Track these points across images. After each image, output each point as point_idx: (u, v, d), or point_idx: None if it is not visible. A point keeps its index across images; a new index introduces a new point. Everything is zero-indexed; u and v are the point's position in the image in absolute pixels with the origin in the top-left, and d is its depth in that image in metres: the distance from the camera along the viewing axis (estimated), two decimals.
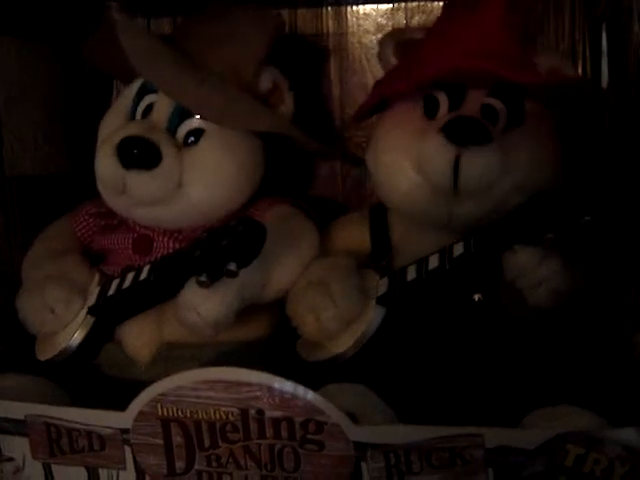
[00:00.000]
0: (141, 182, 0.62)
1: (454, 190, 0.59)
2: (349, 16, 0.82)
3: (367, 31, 0.82)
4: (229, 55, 0.66)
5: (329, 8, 0.83)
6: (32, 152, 0.75)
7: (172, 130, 0.65)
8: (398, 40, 0.69)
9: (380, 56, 0.70)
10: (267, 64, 0.68)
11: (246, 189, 0.67)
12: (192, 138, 0.65)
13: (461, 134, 0.58)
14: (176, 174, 0.63)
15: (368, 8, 0.82)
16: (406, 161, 0.61)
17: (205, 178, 0.64)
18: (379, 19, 0.81)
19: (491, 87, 0.62)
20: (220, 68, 0.66)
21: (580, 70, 0.78)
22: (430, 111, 0.63)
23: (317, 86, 0.84)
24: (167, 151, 0.63)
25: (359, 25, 0.82)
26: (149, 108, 0.66)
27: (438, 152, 0.58)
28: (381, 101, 0.67)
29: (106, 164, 0.63)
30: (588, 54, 0.78)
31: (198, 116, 0.65)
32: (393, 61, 0.69)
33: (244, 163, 0.66)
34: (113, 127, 0.66)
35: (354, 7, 0.82)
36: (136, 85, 0.68)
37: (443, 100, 0.62)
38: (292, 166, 0.82)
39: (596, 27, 0.76)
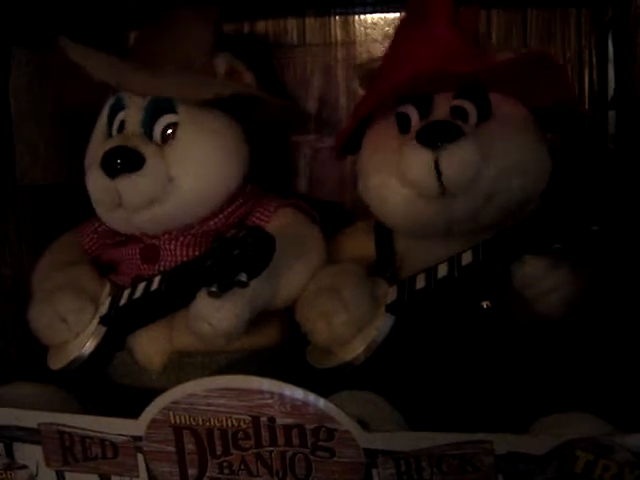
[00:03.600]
0: (131, 185, 0.63)
1: (442, 192, 0.59)
2: (357, 25, 0.83)
3: (375, 40, 0.82)
4: (180, 49, 0.69)
5: (337, 17, 0.83)
6: (43, 161, 0.76)
7: (148, 133, 0.66)
8: (364, 72, 0.74)
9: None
10: (220, 50, 0.70)
11: (234, 172, 0.68)
12: (169, 131, 0.66)
13: (433, 136, 0.59)
14: (163, 169, 0.64)
15: (376, 17, 0.82)
16: (392, 179, 0.62)
17: (191, 166, 0.66)
18: (386, 28, 0.82)
19: (456, 91, 0.63)
20: (175, 62, 0.68)
21: (587, 77, 0.79)
22: (403, 127, 0.65)
23: (325, 95, 0.84)
24: (148, 151, 0.64)
25: (367, 34, 0.83)
26: (122, 124, 0.68)
27: (416, 159, 0.59)
28: (357, 134, 0.68)
29: (95, 181, 0.65)
30: (595, 62, 0.79)
31: (169, 114, 0.66)
32: (361, 92, 0.74)
33: (224, 145, 0.68)
34: (95, 149, 0.68)
35: (362, 16, 0.83)
36: (107, 107, 0.70)
37: (413, 113, 0.64)
38: (300, 170, 0.83)
39: (603, 35, 0.76)
